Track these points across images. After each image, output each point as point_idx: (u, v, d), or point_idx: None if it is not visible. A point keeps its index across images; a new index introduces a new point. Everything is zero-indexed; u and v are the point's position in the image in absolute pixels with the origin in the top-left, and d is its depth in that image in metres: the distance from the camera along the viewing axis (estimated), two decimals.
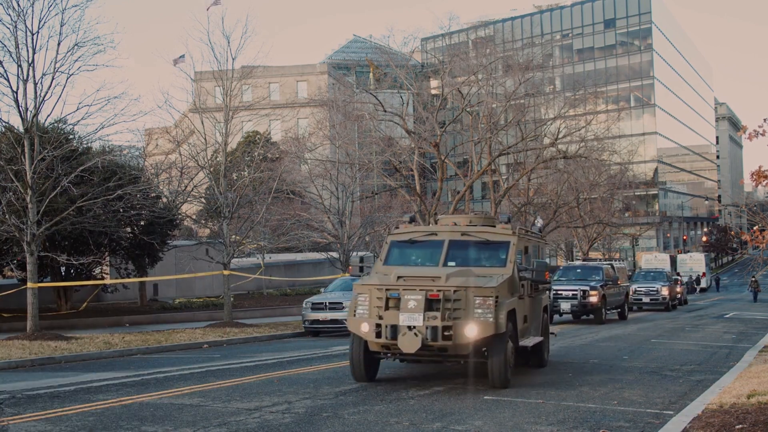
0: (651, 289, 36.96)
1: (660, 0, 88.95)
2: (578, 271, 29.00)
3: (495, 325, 10.45)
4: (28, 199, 18.03)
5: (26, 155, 18.01)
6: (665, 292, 36.80)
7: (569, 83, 64.31)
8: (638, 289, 37.02)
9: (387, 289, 10.68)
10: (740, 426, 7.78)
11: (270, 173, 27.78)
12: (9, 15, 17.85)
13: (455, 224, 12.84)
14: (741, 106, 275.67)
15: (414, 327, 10.37)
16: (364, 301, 10.90)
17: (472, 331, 10.34)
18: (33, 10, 18.05)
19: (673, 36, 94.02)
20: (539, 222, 43.64)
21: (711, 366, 14.49)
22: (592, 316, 26.71)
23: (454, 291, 10.49)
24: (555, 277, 28.20)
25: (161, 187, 30.00)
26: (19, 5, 17.87)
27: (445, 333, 10.36)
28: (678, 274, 68.95)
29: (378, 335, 10.61)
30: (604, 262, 31.01)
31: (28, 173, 17.94)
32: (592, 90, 56.48)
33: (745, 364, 14.17)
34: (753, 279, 47.81)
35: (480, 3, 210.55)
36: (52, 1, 18.21)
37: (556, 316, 26.85)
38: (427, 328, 10.33)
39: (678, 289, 41.82)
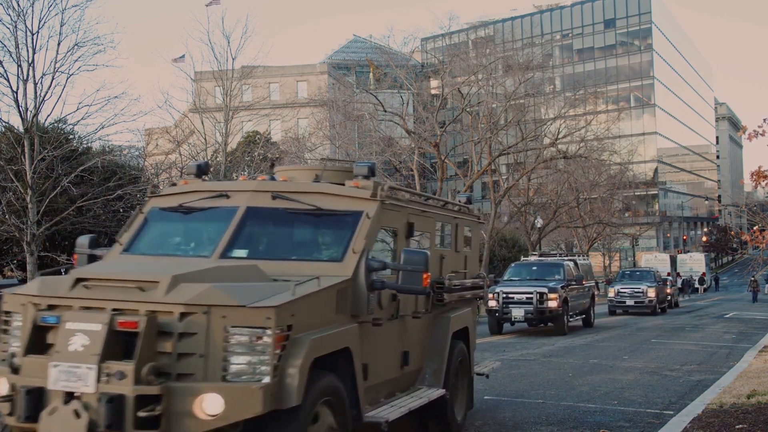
0: (636, 290, 32.97)
1: (660, 0, 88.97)
2: (534, 269, 23.86)
3: (273, 394, 4.84)
4: (28, 199, 18.04)
5: (26, 155, 18.02)
6: (652, 294, 32.82)
7: (569, 83, 64.35)
8: (621, 290, 33.23)
9: (41, 308, 5.12)
10: (740, 426, 7.78)
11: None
12: (9, 15, 17.89)
13: (272, 179, 7.14)
14: (741, 106, 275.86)
15: (76, 396, 4.74)
16: (13, 330, 5.34)
17: (213, 408, 4.72)
18: (33, 10, 18.10)
19: (673, 36, 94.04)
20: (539, 222, 43.73)
21: (711, 366, 14.49)
22: (551, 325, 21.92)
23: (182, 315, 4.88)
24: (505, 277, 23.96)
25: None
26: (19, 5, 17.91)
27: (144, 414, 4.64)
28: (678, 275, 69.19)
29: (12, 409, 4.93)
30: (565, 258, 26.24)
31: (28, 173, 17.95)
32: (592, 90, 56.52)
33: (745, 364, 14.17)
34: (753, 279, 47.75)
35: (480, 3, 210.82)
36: (52, 1, 18.24)
37: (507, 326, 22.53)
38: (101, 399, 4.63)
39: (668, 291, 38.29)
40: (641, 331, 23.36)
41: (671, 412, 9.31)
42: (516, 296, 21.37)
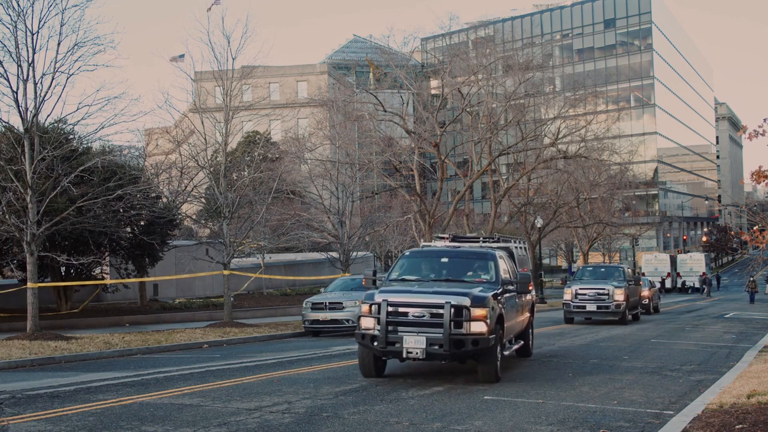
0: (600, 292, 26.14)
1: (660, 0, 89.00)
2: (443, 262, 13.68)
3: None
4: (28, 199, 18.03)
5: (26, 155, 18.02)
6: (619, 296, 25.91)
7: (569, 83, 64.40)
8: (581, 291, 26.35)
9: None
10: (740, 426, 7.78)
11: (270, 173, 27.79)
12: (9, 15, 17.86)
13: None
14: (741, 106, 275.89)
15: None
16: None
17: None
18: (33, 10, 18.06)
19: (673, 36, 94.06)
20: (539, 222, 43.76)
21: (711, 366, 14.49)
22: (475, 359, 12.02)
23: None
24: (393, 275, 13.40)
25: (161, 187, 30.01)
26: (19, 5, 17.89)
27: None
28: (679, 275, 69.22)
29: None
30: (496, 245, 15.74)
31: (28, 173, 17.94)
32: (592, 90, 56.60)
33: (745, 364, 14.18)
34: (751, 279, 47.65)
35: (480, 3, 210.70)
36: (52, 1, 18.22)
37: (393, 364, 13.28)
38: None
39: (645, 293, 32.07)
40: (642, 331, 23.31)
41: (671, 412, 9.31)
42: (412, 312, 11.61)
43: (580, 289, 26.46)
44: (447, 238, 16.36)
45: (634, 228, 67.80)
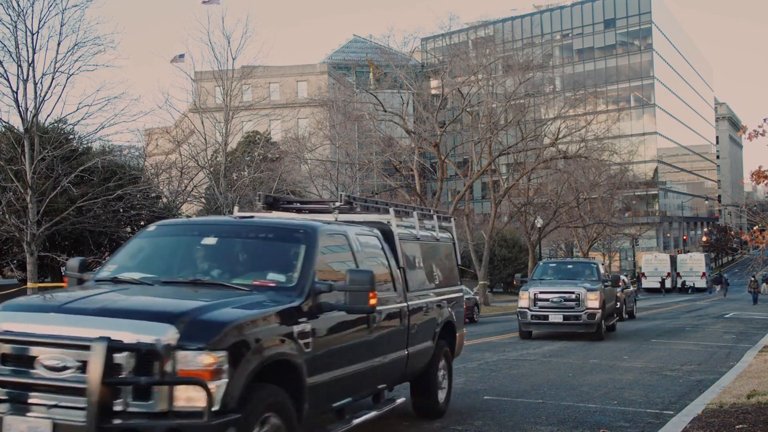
0: (567, 297, 19.59)
1: (660, 0, 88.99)
2: (208, 245, 6.55)
3: None
4: (28, 199, 18.05)
5: (26, 155, 18.03)
6: (593, 302, 19.42)
7: (569, 83, 64.36)
8: (541, 296, 19.74)
9: None
10: (740, 426, 7.78)
11: (270, 173, 27.80)
12: (9, 15, 17.90)
13: None
14: (741, 106, 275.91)
15: None
16: None
17: None
18: (33, 10, 18.13)
19: (673, 36, 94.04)
20: (539, 222, 43.77)
21: (711, 366, 14.49)
22: None
23: None
24: (104, 271, 6.31)
25: (161, 187, 30.02)
26: (19, 5, 17.94)
27: None
28: (679, 275, 69.20)
29: None
30: (361, 218, 8.20)
31: (28, 173, 17.96)
32: (592, 90, 56.66)
33: (745, 364, 14.16)
34: (753, 279, 47.30)
35: (480, 3, 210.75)
36: (52, 1, 18.25)
37: None
38: None
39: (617, 295, 24.79)
40: (642, 330, 23.29)
41: (671, 412, 9.31)
42: (43, 357, 4.72)
43: (541, 292, 19.83)
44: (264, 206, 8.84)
45: (634, 228, 67.84)
